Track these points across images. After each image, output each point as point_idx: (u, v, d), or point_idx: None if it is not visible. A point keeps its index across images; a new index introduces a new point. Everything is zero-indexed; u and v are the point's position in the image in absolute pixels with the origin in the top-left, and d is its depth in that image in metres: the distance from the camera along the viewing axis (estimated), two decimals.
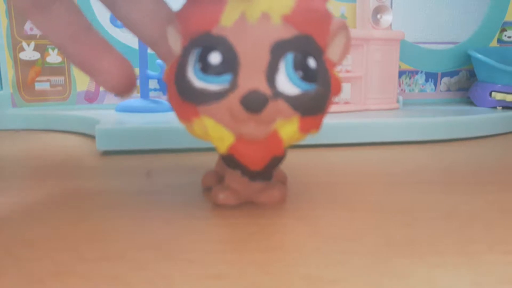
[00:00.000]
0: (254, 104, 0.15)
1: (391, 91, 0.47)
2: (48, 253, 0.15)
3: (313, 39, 0.16)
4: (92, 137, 0.37)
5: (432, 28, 0.57)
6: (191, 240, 0.16)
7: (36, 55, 0.44)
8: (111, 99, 0.47)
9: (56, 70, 0.45)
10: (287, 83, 0.16)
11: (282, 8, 0.16)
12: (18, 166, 0.29)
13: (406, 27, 0.53)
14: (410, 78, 0.54)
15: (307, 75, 0.16)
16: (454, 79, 0.56)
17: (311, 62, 0.16)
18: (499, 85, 0.48)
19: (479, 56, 0.49)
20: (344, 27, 0.17)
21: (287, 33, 0.16)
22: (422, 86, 0.55)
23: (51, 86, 0.45)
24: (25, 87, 0.44)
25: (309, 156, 0.31)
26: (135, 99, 0.42)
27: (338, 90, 0.18)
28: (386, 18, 0.47)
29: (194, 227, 0.17)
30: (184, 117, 0.17)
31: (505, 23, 0.56)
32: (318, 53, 0.17)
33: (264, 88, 0.16)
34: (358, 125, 0.35)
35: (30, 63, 0.44)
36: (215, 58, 0.16)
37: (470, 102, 0.53)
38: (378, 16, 0.47)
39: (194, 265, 0.14)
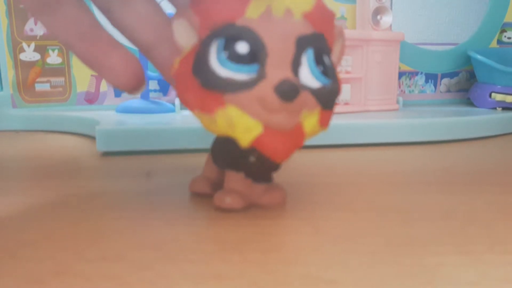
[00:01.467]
0: (289, 92, 0.15)
1: (391, 92, 0.47)
2: (48, 253, 0.15)
3: (325, 38, 0.17)
4: (92, 138, 0.37)
5: (432, 29, 0.57)
6: (191, 240, 0.16)
7: (36, 56, 0.44)
8: (111, 100, 0.47)
9: (56, 71, 0.45)
10: (310, 76, 0.16)
11: (304, 5, 0.16)
12: (18, 166, 0.29)
13: (406, 28, 0.54)
14: (410, 79, 0.54)
15: (325, 70, 0.17)
16: (454, 80, 0.56)
17: (326, 59, 0.17)
18: (499, 86, 0.48)
19: (479, 57, 0.49)
20: (342, 33, 0.18)
21: (307, 29, 0.16)
22: (422, 87, 0.55)
23: (51, 87, 0.45)
24: (25, 88, 0.44)
25: (309, 156, 0.31)
26: (135, 100, 0.42)
27: (340, 89, 0.18)
28: (386, 19, 0.47)
29: (194, 227, 0.17)
30: (206, 108, 0.16)
31: (505, 24, 0.56)
32: (329, 52, 0.18)
33: (292, 78, 0.16)
34: (358, 126, 0.35)
35: (30, 64, 0.44)
36: (242, 47, 0.16)
37: (470, 103, 0.53)
38: (378, 17, 0.47)
39: (194, 265, 0.14)
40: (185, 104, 0.17)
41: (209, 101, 0.16)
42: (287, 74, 0.16)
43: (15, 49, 0.44)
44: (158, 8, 0.18)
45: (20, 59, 0.44)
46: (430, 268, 0.14)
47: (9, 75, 0.44)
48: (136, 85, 0.17)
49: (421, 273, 0.13)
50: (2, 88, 0.44)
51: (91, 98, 0.46)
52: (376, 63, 0.45)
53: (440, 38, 0.57)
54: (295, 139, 0.17)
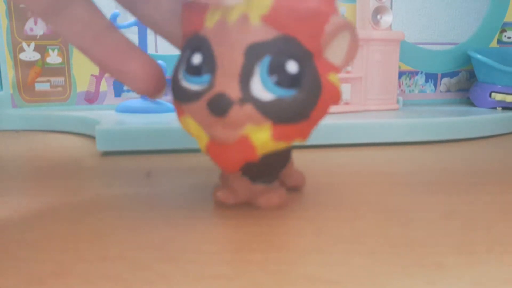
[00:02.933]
0: (217, 107, 0.15)
1: (391, 92, 0.47)
2: (48, 253, 0.15)
3: (297, 40, 0.15)
4: (92, 137, 0.37)
5: (432, 28, 0.57)
6: (191, 240, 0.16)
7: (36, 56, 0.44)
8: (111, 99, 0.47)
9: (56, 70, 0.45)
10: (260, 87, 0.15)
11: (260, 8, 0.15)
12: (18, 166, 0.29)
13: (406, 28, 0.54)
14: (410, 79, 0.54)
15: (284, 80, 0.15)
16: (454, 79, 0.56)
17: (291, 66, 0.15)
18: (499, 86, 0.48)
19: (479, 56, 0.49)
20: (346, 26, 0.16)
21: (266, 34, 0.15)
22: (422, 87, 0.55)
23: (51, 86, 0.45)
24: (25, 88, 0.44)
25: (309, 156, 0.31)
26: (135, 100, 0.42)
27: (333, 96, 0.16)
28: (386, 19, 0.47)
29: (194, 227, 0.17)
30: (177, 115, 0.18)
31: (505, 24, 0.56)
32: (304, 56, 0.15)
33: (233, 91, 0.15)
34: (358, 125, 0.35)
35: (30, 64, 0.44)
36: (196, 58, 0.16)
37: (470, 103, 0.53)
38: (378, 16, 0.47)
39: (194, 265, 0.14)
40: None
41: (177, 109, 0.17)
42: (232, 86, 0.15)
43: (15, 48, 0.44)
44: (179, 2, 0.18)
45: (20, 59, 0.44)
46: (430, 268, 0.14)
47: (9, 74, 0.44)
48: (157, 89, 0.18)
49: (421, 273, 0.13)
50: (2, 88, 0.44)
51: (91, 98, 0.46)
52: (376, 63, 0.45)
53: (440, 38, 0.57)
54: (240, 152, 0.16)
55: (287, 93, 0.15)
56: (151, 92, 0.18)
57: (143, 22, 0.18)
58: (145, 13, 0.18)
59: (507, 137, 0.40)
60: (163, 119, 0.36)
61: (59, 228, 0.17)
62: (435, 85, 0.56)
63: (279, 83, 0.15)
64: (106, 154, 0.31)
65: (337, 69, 0.16)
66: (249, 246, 0.16)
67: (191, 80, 0.16)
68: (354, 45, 0.16)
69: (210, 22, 0.16)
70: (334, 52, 0.16)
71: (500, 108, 0.47)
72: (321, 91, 0.16)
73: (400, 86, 0.54)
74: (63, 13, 0.16)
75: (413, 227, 0.17)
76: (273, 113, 0.15)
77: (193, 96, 0.16)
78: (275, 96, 0.15)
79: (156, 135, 0.31)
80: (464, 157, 0.31)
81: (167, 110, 0.41)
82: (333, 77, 0.16)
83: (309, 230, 0.17)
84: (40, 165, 0.28)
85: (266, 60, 0.15)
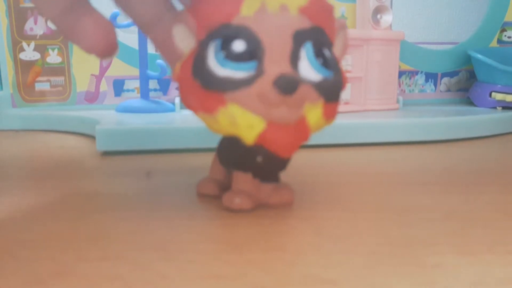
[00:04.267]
0: (287, 86, 0.16)
1: (391, 92, 0.47)
2: (48, 253, 0.15)
3: (325, 32, 0.17)
4: (92, 137, 0.37)
5: (432, 28, 0.57)
6: (191, 240, 0.16)
7: (36, 55, 0.44)
8: (111, 99, 0.47)
9: (56, 70, 0.45)
10: (310, 69, 0.16)
11: (299, 0, 0.16)
12: (18, 166, 0.29)
13: (406, 28, 0.54)
14: (410, 79, 0.54)
15: (326, 63, 0.17)
16: (454, 79, 0.56)
17: (327, 52, 0.17)
18: (499, 86, 0.48)
19: (479, 56, 0.49)
20: (344, 27, 0.18)
21: (304, 23, 0.16)
22: (422, 87, 0.55)
23: (51, 86, 0.45)
24: (25, 88, 0.44)
25: (309, 156, 0.31)
26: (135, 100, 0.42)
27: (345, 82, 0.18)
28: (386, 19, 0.47)
29: (194, 227, 0.17)
30: (208, 108, 0.16)
31: (505, 24, 0.56)
32: (330, 45, 0.18)
33: (291, 72, 0.16)
34: (358, 125, 0.35)
35: (30, 64, 0.44)
36: (239, 45, 0.16)
37: (470, 103, 0.53)
38: (378, 16, 0.47)
39: (194, 265, 0.14)
40: (189, 107, 0.17)
41: (210, 102, 0.16)
42: (286, 68, 0.16)
43: (15, 48, 0.44)
44: None
45: (20, 59, 0.44)
46: (430, 268, 0.14)
47: (9, 74, 0.44)
48: (107, 48, 0.17)
49: (421, 273, 0.13)
50: (2, 87, 0.44)
51: (91, 98, 0.46)
52: (376, 62, 0.45)
53: (440, 38, 0.57)
54: (300, 133, 0.17)
55: (329, 74, 0.17)
56: (103, 51, 0.17)
57: (120, 6, 0.18)
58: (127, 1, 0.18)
59: (507, 137, 0.40)
60: (163, 119, 0.36)
61: (59, 228, 0.17)
62: (435, 84, 0.56)
63: (324, 65, 0.17)
64: (106, 154, 0.31)
65: (339, 61, 0.18)
66: (249, 246, 0.16)
67: (234, 67, 0.16)
68: (347, 42, 0.19)
69: (248, 11, 0.16)
70: (336, 46, 0.18)
71: (500, 108, 0.47)
72: (342, 73, 0.18)
73: (400, 86, 0.54)
74: None
75: (413, 227, 0.17)
76: (325, 91, 0.17)
77: (241, 83, 0.16)
78: (322, 76, 0.17)
79: (156, 135, 0.31)
80: (464, 157, 0.31)
81: (167, 110, 0.41)
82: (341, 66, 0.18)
83: (309, 230, 0.17)
84: (40, 165, 0.28)
85: (308, 45, 0.16)
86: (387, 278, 0.13)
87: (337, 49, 0.18)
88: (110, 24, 0.17)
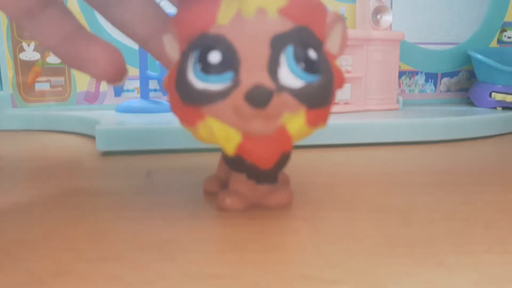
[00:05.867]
0: (258, 98, 0.15)
1: (391, 92, 0.47)
2: (48, 253, 0.15)
3: (311, 30, 0.16)
4: (92, 137, 0.37)
5: (432, 28, 0.57)
6: (191, 240, 0.16)
7: (36, 56, 0.44)
8: (111, 99, 0.47)
9: (56, 70, 0.45)
10: (290, 75, 0.16)
11: (278, 1, 0.16)
12: (18, 166, 0.29)
13: (406, 28, 0.54)
14: (410, 79, 0.54)
15: (309, 67, 0.16)
16: (454, 79, 0.56)
17: (312, 54, 0.16)
18: (499, 86, 0.48)
19: (479, 56, 0.49)
20: (340, 19, 0.17)
21: (285, 26, 0.16)
22: (422, 87, 0.55)
23: (51, 86, 0.45)
24: (25, 88, 0.44)
25: (309, 156, 0.31)
26: (135, 100, 0.42)
27: (341, 82, 0.17)
28: (386, 19, 0.47)
29: (194, 227, 0.17)
30: (188, 121, 0.17)
31: (505, 24, 0.56)
32: (318, 45, 0.16)
33: (267, 82, 0.15)
34: (358, 125, 0.35)
35: (30, 64, 0.44)
36: (214, 57, 0.15)
37: (470, 103, 0.53)
38: (378, 16, 0.47)
39: (194, 265, 0.14)
40: (176, 117, 0.17)
41: (190, 115, 0.16)
42: (263, 77, 0.15)
43: (15, 48, 0.44)
44: (150, 2, 0.18)
45: (20, 59, 0.44)
46: (430, 268, 0.14)
47: (9, 74, 0.44)
48: (117, 73, 0.17)
49: (421, 273, 0.13)
50: (2, 87, 0.44)
51: (91, 98, 0.46)
52: (376, 63, 0.45)
53: (440, 38, 0.57)
54: (279, 144, 0.16)
55: (314, 79, 0.16)
56: (112, 78, 0.17)
57: (115, 25, 0.18)
58: (117, 15, 0.18)
59: (507, 137, 0.40)
60: (163, 119, 0.36)
61: (59, 228, 0.17)
62: (435, 85, 0.56)
63: (306, 70, 0.16)
64: (106, 154, 0.31)
65: (335, 58, 0.17)
66: (249, 246, 0.16)
67: (210, 79, 0.16)
68: (346, 35, 0.17)
69: (224, 19, 0.16)
70: (331, 42, 0.17)
71: (500, 108, 0.47)
72: (333, 75, 0.17)
73: (400, 86, 0.54)
74: (38, 17, 0.16)
75: (413, 227, 0.17)
76: (306, 98, 0.16)
77: (217, 96, 0.16)
78: (304, 82, 0.16)
79: (156, 135, 0.31)
80: (464, 157, 0.31)
81: (167, 110, 0.41)
82: (336, 64, 0.17)
83: (309, 230, 0.17)
84: (40, 165, 0.28)
85: (289, 50, 0.16)
86: (387, 278, 0.13)
87: (332, 45, 0.17)
88: (117, 50, 0.17)
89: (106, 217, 0.19)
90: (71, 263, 0.14)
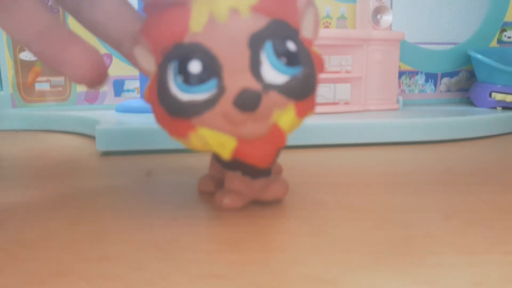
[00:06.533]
0: (247, 103, 0.15)
1: (391, 92, 0.47)
2: (48, 253, 0.15)
3: (286, 22, 0.16)
4: (92, 137, 0.37)
5: (432, 28, 0.57)
6: (191, 240, 0.16)
7: None
8: (111, 99, 0.47)
9: (56, 70, 0.45)
10: (274, 72, 0.15)
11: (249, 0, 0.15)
12: (18, 166, 0.29)
13: (406, 28, 0.54)
14: (410, 79, 0.54)
15: (291, 60, 0.16)
16: (454, 79, 0.56)
17: (291, 46, 0.16)
18: (499, 86, 0.48)
19: (479, 56, 0.49)
20: (310, 2, 0.17)
21: (260, 22, 0.15)
22: (422, 87, 0.55)
23: (51, 86, 0.45)
24: (25, 88, 0.44)
25: (308, 156, 0.31)
26: (135, 100, 0.42)
27: (321, 67, 0.17)
28: (386, 19, 0.47)
29: (194, 227, 0.17)
30: (178, 133, 0.16)
31: (505, 24, 0.56)
32: (295, 35, 0.16)
33: (253, 84, 0.15)
34: (358, 125, 0.35)
35: (30, 64, 0.44)
36: (195, 66, 0.15)
37: (470, 103, 0.53)
38: (378, 16, 0.47)
39: (194, 265, 0.14)
40: (164, 130, 0.17)
41: (179, 127, 0.16)
42: (247, 80, 0.15)
43: (15, 48, 0.44)
44: (125, 4, 0.18)
45: (20, 59, 0.44)
46: (430, 268, 0.14)
47: (9, 74, 0.44)
48: (97, 77, 0.17)
49: (421, 273, 0.13)
50: (2, 87, 0.44)
51: (91, 98, 0.46)
52: (376, 63, 0.45)
53: (440, 38, 0.57)
54: (274, 141, 0.16)
55: (297, 71, 0.16)
56: (91, 82, 0.17)
57: (88, 28, 0.18)
58: (90, 16, 0.17)
59: (507, 137, 0.40)
60: None
61: (59, 228, 0.17)
62: (435, 85, 0.56)
63: (288, 63, 0.16)
64: (106, 154, 0.31)
65: (311, 42, 0.17)
66: (249, 246, 0.16)
67: (194, 90, 0.15)
68: (317, 17, 0.17)
69: (197, 26, 0.15)
70: (305, 27, 0.17)
71: (500, 108, 0.47)
72: (314, 62, 0.17)
73: (400, 86, 0.54)
74: (9, 8, 0.15)
75: (413, 227, 0.17)
76: (294, 92, 0.16)
77: (204, 105, 0.15)
78: (288, 76, 0.16)
79: (156, 135, 0.31)
80: (464, 157, 0.31)
81: None
82: (315, 48, 0.17)
83: (309, 230, 0.17)
84: (40, 165, 0.28)
85: (268, 46, 0.15)
86: (387, 278, 0.13)
87: (306, 31, 0.17)
88: (98, 53, 0.17)
89: (106, 217, 0.19)
90: (71, 263, 0.14)
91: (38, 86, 0.45)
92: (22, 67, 0.44)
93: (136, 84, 0.47)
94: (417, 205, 0.20)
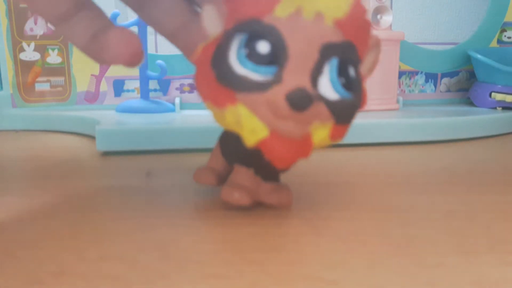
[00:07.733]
0: (300, 102, 0.15)
1: (391, 92, 0.47)
2: (48, 253, 0.15)
3: (356, 48, 0.16)
4: (92, 137, 0.37)
5: (432, 28, 0.57)
6: (191, 240, 0.16)
7: (36, 56, 0.44)
8: (111, 99, 0.47)
9: (56, 70, 0.45)
10: (329, 87, 0.16)
11: (337, 11, 0.16)
12: (18, 166, 0.29)
13: (406, 28, 0.54)
14: (410, 79, 0.54)
15: (347, 83, 0.16)
16: (454, 79, 0.56)
17: (352, 71, 0.16)
18: (499, 86, 0.48)
19: (479, 56, 0.49)
20: (378, 44, 0.17)
21: (336, 37, 0.16)
22: (422, 87, 0.55)
23: (51, 86, 0.45)
24: (25, 88, 0.44)
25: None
26: (135, 100, 0.42)
27: (364, 103, 0.17)
28: (386, 19, 0.47)
29: (194, 227, 0.17)
30: (217, 102, 0.16)
31: (505, 24, 0.56)
32: (357, 63, 0.17)
33: (308, 87, 0.15)
34: (358, 125, 0.35)
35: (30, 64, 0.44)
36: (263, 47, 0.15)
37: (470, 103, 0.53)
38: (378, 16, 0.47)
39: (194, 265, 0.14)
40: (199, 93, 0.17)
41: (221, 96, 0.16)
42: (304, 81, 0.15)
43: (15, 48, 0.44)
44: (179, 1, 0.19)
45: (20, 59, 0.44)
46: (430, 268, 0.14)
47: (9, 74, 0.44)
48: (134, 56, 0.17)
49: (421, 273, 0.13)
50: (2, 87, 0.44)
51: (91, 98, 0.46)
52: None
53: (440, 38, 0.57)
54: (301, 149, 0.16)
55: (347, 96, 0.16)
56: (129, 60, 0.17)
57: (147, 22, 0.20)
58: (149, 13, 0.19)
59: (507, 137, 0.40)
60: (163, 119, 0.36)
61: (59, 228, 0.17)
62: (435, 85, 0.56)
63: (344, 85, 0.16)
64: (106, 154, 0.31)
65: (364, 79, 0.17)
66: (249, 246, 0.16)
67: (253, 68, 0.15)
68: (377, 60, 0.18)
69: (282, 12, 0.15)
70: (365, 63, 0.17)
71: (500, 108, 0.47)
72: (362, 95, 0.17)
73: (400, 86, 0.54)
74: (70, 20, 0.17)
75: (413, 227, 0.17)
76: (338, 112, 0.16)
77: (255, 86, 0.15)
78: (339, 97, 0.16)
79: (156, 136, 0.31)
80: (464, 157, 0.31)
81: (167, 110, 0.41)
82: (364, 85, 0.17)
83: (309, 230, 0.17)
84: (40, 165, 0.28)
85: (334, 62, 0.16)
86: (387, 278, 0.13)
87: (365, 67, 0.17)
88: (134, 33, 0.17)
89: (106, 217, 0.19)
90: (71, 263, 0.14)
91: (38, 86, 0.45)
92: (22, 67, 0.44)
93: (136, 84, 0.47)
94: (417, 205, 0.20)
